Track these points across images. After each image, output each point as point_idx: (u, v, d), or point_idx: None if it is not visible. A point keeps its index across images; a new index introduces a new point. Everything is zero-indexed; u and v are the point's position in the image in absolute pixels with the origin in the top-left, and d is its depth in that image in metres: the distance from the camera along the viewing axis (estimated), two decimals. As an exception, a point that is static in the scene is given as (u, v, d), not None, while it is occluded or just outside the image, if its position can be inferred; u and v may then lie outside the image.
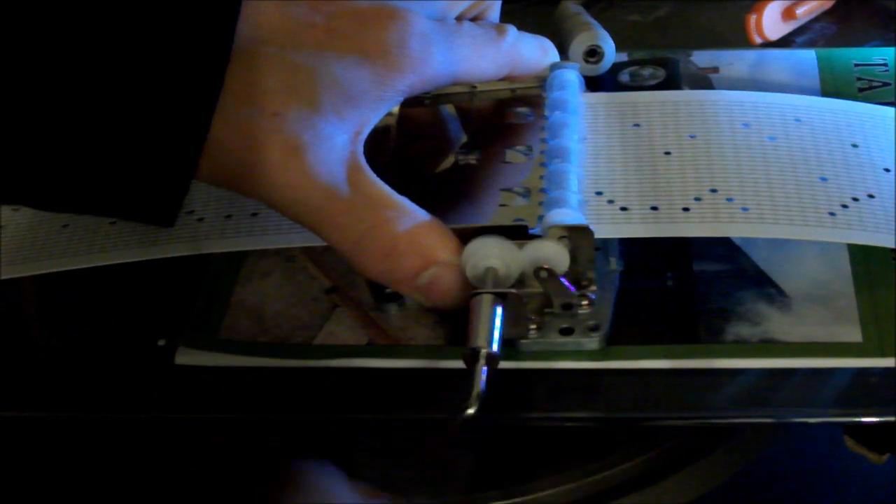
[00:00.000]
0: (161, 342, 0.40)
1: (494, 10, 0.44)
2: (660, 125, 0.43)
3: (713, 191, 0.40)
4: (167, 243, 0.42)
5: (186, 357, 0.40)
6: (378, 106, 0.38)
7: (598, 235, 0.38)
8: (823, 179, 0.40)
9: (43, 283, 0.43)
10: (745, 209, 0.39)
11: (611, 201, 0.40)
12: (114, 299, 0.42)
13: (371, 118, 0.38)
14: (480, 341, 0.35)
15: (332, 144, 0.37)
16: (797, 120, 0.43)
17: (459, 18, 0.42)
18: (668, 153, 0.42)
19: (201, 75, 0.35)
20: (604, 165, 0.42)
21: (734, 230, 0.40)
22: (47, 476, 0.43)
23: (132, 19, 0.35)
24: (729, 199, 0.40)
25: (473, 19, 0.43)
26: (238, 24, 0.36)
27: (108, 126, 0.35)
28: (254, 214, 0.43)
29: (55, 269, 0.42)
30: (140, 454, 0.42)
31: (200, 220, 0.43)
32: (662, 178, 0.41)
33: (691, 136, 0.42)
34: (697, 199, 0.40)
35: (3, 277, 0.42)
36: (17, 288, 0.43)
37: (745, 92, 0.45)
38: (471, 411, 0.34)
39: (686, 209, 0.40)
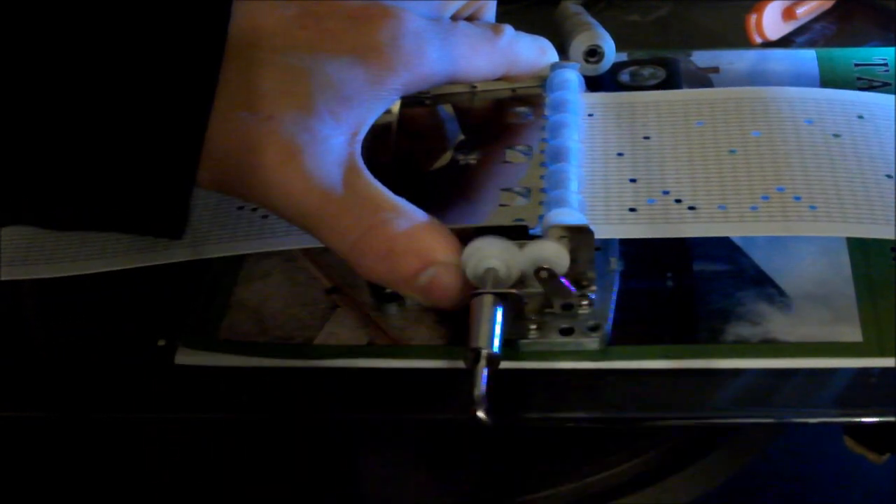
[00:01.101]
0: (161, 342, 0.40)
1: (489, 10, 0.44)
2: (723, 123, 0.43)
3: (780, 189, 0.40)
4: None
5: (186, 357, 0.40)
6: (373, 105, 0.38)
7: (667, 235, 0.38)
8: (889, 177, 0.40)
9: (43, 283, 0.43)
10: (812, 207, 0.39)
11: (678, 200, 0.40)
12: (114, 300, 0.42)
13: (367, 118, 0.38)
14: (481, 342, 0.35)
15: (328, 146, 0.36)
16: (860, 117, 0.43)
17: (454, 18, 0.42)
18: (732, 151, 0.42)
19: (195, 79, 0.35)
20: (670, 164, 0.41)
21: (803, 229, 0.39)
22: (47, 476, 0.43)
23: (123, 25, 0.35)
24: (796, 198, 0.39)
25: (469, 19, 0.43)
26: (230, 27, 0.36)
27: (104, 137, 0.35)
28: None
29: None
30: (140, 454, 0.42)
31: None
32: (729, 176, 0.41)
33: (755, 134, 0.42)
34: (765, 197, 0.40)
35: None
36: (17, 288, 0.43)
37: (806, 88, 0.45)
38: (481, 414, 0.34)
39: (754, 208, 0.39)
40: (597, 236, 0.38)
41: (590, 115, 0.44)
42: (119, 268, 0.42)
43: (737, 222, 0.39)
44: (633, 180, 0.41)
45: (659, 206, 0.40)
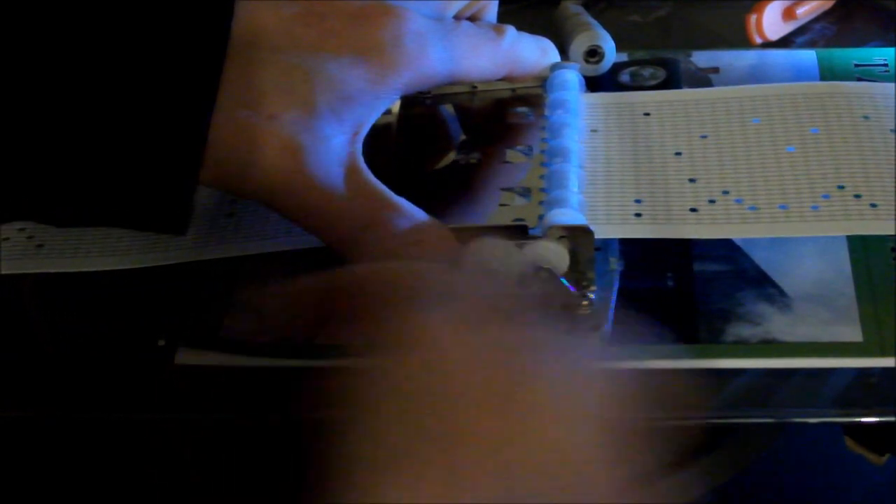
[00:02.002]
0: (161, 342, 0.40)
1: (491, 11, 0.44)
2: (780, 120, 0.43)
3: (840, 187, 0.40)
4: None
5: (186, 357, 0.39)
6: (375, 105, 0.38)
7: (730, 236, 0.38)
8: None
9: (43, 282, 0.43)
10: (873, 205, 0.39)
11: (739, 200, 0.40)
12: (114, 299, 0.42)
13: (368, 117, 0.38)
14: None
15: (329, 145, 0.37)
16: None
17: (457, 18, 0.42)
18: (790, 149, 0.42)
19: (197, 78, 0.35)
20: (728, 163, 0.41)
21: (865, 228, 0.39)
22: (47, 476, 0.43)
23: (126, 24, 0.35)
24: (857, 196, 0.39)
25: (471, 19, 0.43)
26: (232, 26, 0.36)
27: (107, 135, 0.35)
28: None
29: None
30: (140, 454, 0.42)
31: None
32: (788, 175, 0.41)
33: (814, 131, 0.42)
34: (825, 196, 0.40)
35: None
36: (17, 288, 0.43)
37: (863, 83, 0.45)
38: None
39: (815, 207, 0.39)
40: (658, 236, 0.38)
41: (646, 114, 0.44)
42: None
43: (798, 222, 0.39)
44: (692, 180, 0.41)
45: (720, 206, 0.40)
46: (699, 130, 0.43)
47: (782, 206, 0.39)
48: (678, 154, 0.42)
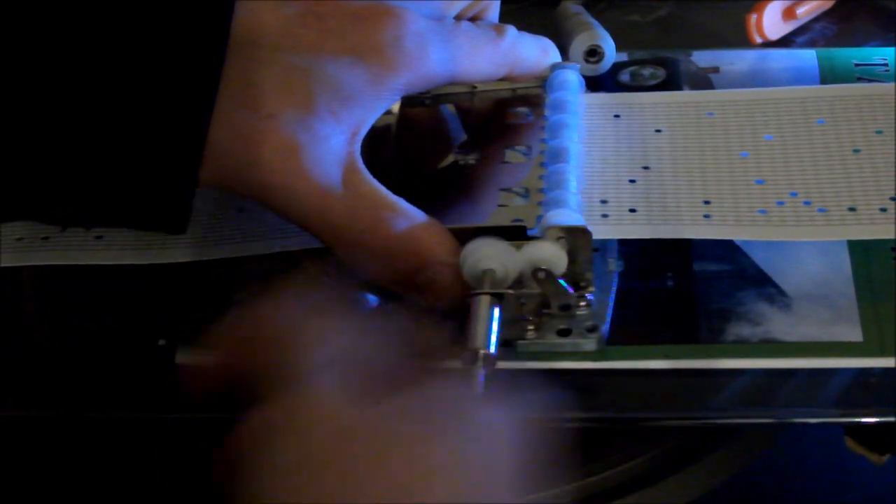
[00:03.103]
0: (161, 342, 0.40)
1: (493, 10, 0.44)
2: (844, 121, 0.43)
3: None
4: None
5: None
6: (374, 105, 0.38)
7: (800, 239, 0.38)
8: None
9: (43, 282, 0.43)
10: None
11: (807, 202, 0.40)
12: (114, 299, 0.42)
13: (368, 118, 0.38)
14: (478, 342, 0.35)
15: (328, 145, 0.37)
16: None
17: (458, 18, 0.42)
18: (857, 150, 0.41)
19: (197, 77, 0.35)
20: (794, 165, 0.41)
21: None
22: (47, 476, 0.43)
23: (126, 23, 0.35)
24: None
25: (472, 19, 0.43)
26: (233, 25, 0.36)
27: (107, 134, 0.35)
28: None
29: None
30: (140, 454, 0.42)
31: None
32: (856, 176, 0.40)
33: (877, 132, 0.42)
34: (894, 198, 0.39)
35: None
36: (17, 288, 0.43)
37: None
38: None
39: (883, 209, 0.39)
40: (727, 238, 0.38)
41: (709, 114, 0.44)
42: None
43: (868, 224, 0.39)
44: (759, 181, 0.41)
45: (788, 207, 0.39)
46: (763, 131, 0.43)
47: (851, 209, 0.39)
48: (744, 155, 0.42)
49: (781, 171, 0.41)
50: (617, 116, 0.45)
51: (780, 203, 0.40)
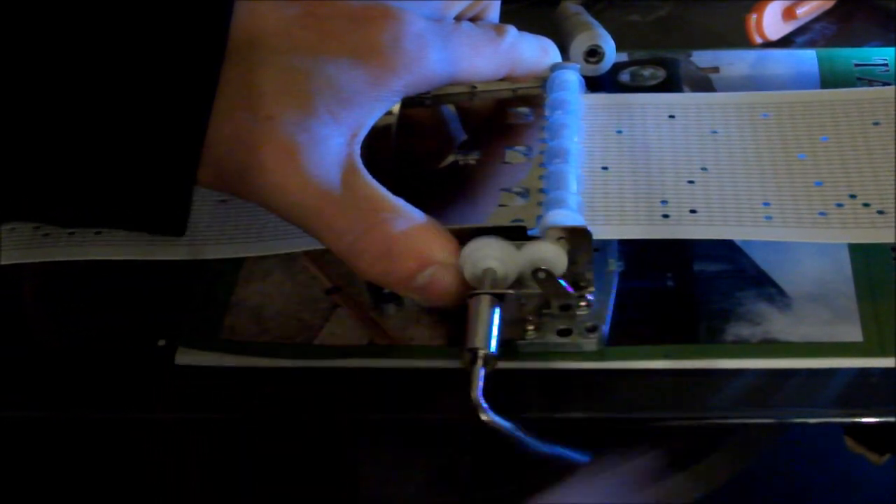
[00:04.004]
0: (161, 342, 0.40)
1: (494, 10, 0.44)
2: None
3: None
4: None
5: (186, 357, 0.40)
6: (374, 107, 0.38)
7: (862, 241, 0.38)
8: None
9: (43, 282, 0.43)
10: None
11: (866, 204, 0.40)
12: (114, 299, 0.42)
13: (367, 119, 0.38)
14: (478, 342, 0.35)
15: (327, 147, 0.37)
16: None
17: (458, 19, 0.42)
18: None
19: (195, 79, 0.35)
20: (852, 166, 0.41)
21: None
22: (47, 476, 0.43)
23: (124, 25, 0.35)
24: None
25: (473, 20, 0.43)
26: (232, 26, 0.36)
27: (105, 136, 0.35)
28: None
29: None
30: (140, 454, 0.42)
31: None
32: None
33: None
34: None
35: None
36: (17, 288, 0.43)
37: None
38: (484, 417, 0.34)
39: None
40: (788, 239, 0.38)
41: (764, 115, 0.44)
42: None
43: None
44: (818, 183, 0.41)
45: (848, 210, 0.39)
46: (819, 132, 0.43)
47: None
48: (801, 156, 0.42)
49: (840, 174, 0.41)
50: (672, 117, 0.45)
51: (840, 205, 0.40)
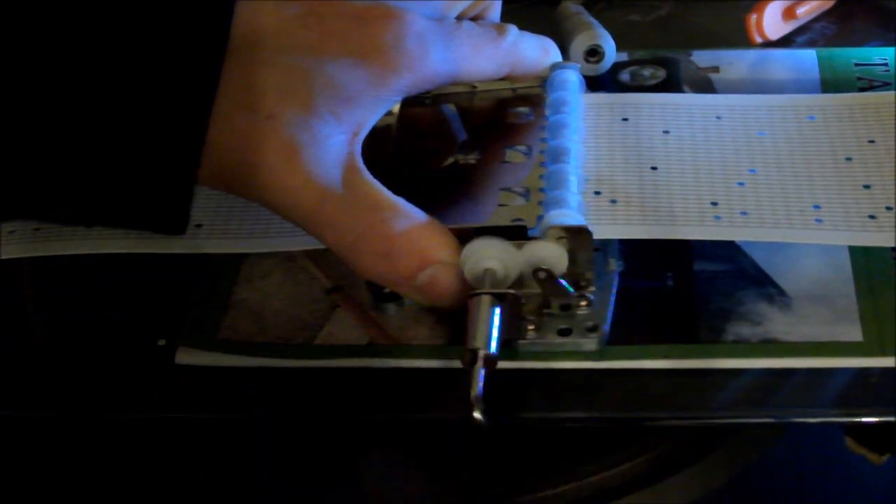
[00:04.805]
0: (161, 342, 0.40)
1: (495, 10, 0.44)
2: None
3: None
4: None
5: (186, 357, 0.40)
6: (375, 106, 0.38)
7: None
8: None
9: (43, 282, 0.43)
10: None
11: None
12: (114, 299, 0.42)
13: (368, 119, 0.38)
14: (479, 342, 0.35)
15: (328, 146, 0.37)
16: None
17: (459, 18, 0.42)
18: None
19: (196, 78, 0.35)
20: None
21: None
22: (47, 476, 0.43)
23: (126, 24, 0.35)
24: None
25: (474, 19, 0.43)
26: (233, 26, 0.36)
27: (106, 135, 0.35)
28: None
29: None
30: (140, 454, 0.42)
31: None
32: None
33: None
34: None
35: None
36: (16, 288, 0.43)
37: None
38: (477, 415, 0.34)
39: None
40: (839, 242, 0.38)
41: (810, 117, 0.44)
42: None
43: None
44: (866, 186, 0.41)
45: None
46: (866, 135, 0.43)
47: None
48: (848, 159, 0.42)
49: (888, 176, 0.41)
50: (719, 118, 0.45)
51: (889, 208, 0.40)
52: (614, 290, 0.40)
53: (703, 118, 0.45)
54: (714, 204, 0.41)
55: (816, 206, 0.40)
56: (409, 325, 0.40)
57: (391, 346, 0.39)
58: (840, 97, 0.46)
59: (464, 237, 0.37)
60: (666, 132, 0.44)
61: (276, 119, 0.36)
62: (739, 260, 0.41)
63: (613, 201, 0.41)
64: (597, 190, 0.42)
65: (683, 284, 0.41)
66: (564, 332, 0.38)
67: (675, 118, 0.45)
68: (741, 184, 0.42)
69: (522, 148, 0.43)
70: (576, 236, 0.37)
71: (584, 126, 0.44)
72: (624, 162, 0.43)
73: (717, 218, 0.40)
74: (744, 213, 0.40)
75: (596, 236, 0.38)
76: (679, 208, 0.40)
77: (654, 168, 0.42)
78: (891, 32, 0.52)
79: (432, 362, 0.39)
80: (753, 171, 0.42)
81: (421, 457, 0.43)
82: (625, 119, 0.45)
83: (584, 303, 0.38)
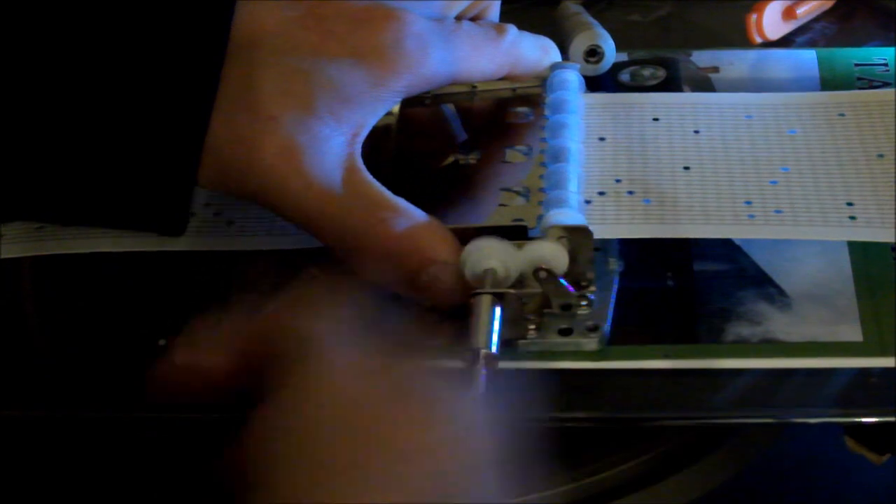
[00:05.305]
0: (161, 342, 0.40)
1: (494, 10, 0.44)
2: None
3: None
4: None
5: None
6: (375, 107, 0.38)
7: None
8: None
9: (43, 282, 0.43)
10: None
11: None
12: (114, 299, 0.42)
13: (368, 119, 0.38)
14: (479, 342, 0.35)
15: (328, 147, 0.37)
16: None
17: (458, 18, 0.42)
18: None
19: (196, 79, 0.35)
20: None
21: None
22: (47, 476, 0.43)
23: (126, 25, 0.35)
24: None
25: (473, 19, 0.43)
26: (233, 27, 0.36)
27: (106, 136, 0.35)
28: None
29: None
30: (140, 454, 0.42)
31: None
32: None
33: None
34: None
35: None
36: (16, 288, 0.43)
37: None
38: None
39: None
40: (875, 240, 0.38)
41: (840, 115, 0.44)
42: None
43: None
44: None
45: None
46: None
47: None
48: (881, 156, 0.42)
49: None
50: (749, 117, 0.45)
51: None
52: (615, 290, 0.40)
53: (733, 117, 0.45)
54: (748, 203, 0.41)
55: (850, 204, 0.40)
56: (410, 325, 0.40)
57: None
58: (871, 93, 0.46)
59: (464, 237, 0.37)
60: (696, 132, 0.44)
61: (275, 120, 0.36)
62: (739, 260, 0.41)
63: (647, 201, 0.41)
64: (630, 190, 0.42)
65: (683, 284, 0.41)
66: (565, 332, 0.38)
67: (705, 117, 0.45)
68: (774, 182, 0.42)
69: (522, 148, 0.43)
70: (576, 236, 0.37)
71: (614, 124, 0.44)
72: (656, 162, 0.43)
73: (752, 217, 0.40)
74: (778, 212, 0.40)
75: (631, 236, 0.38)
76: (713, 208, 0.40)
77: (686, 168, 0.42)
78: (891, 32, 0.52)
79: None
80: (786, 169, 0.42)
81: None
82: (655, 119, 0.45)
83: (584, 302, 0.38)
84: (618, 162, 0.43)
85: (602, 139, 0.44)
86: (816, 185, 0.41)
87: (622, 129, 0.44)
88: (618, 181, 0.42)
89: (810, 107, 0.45)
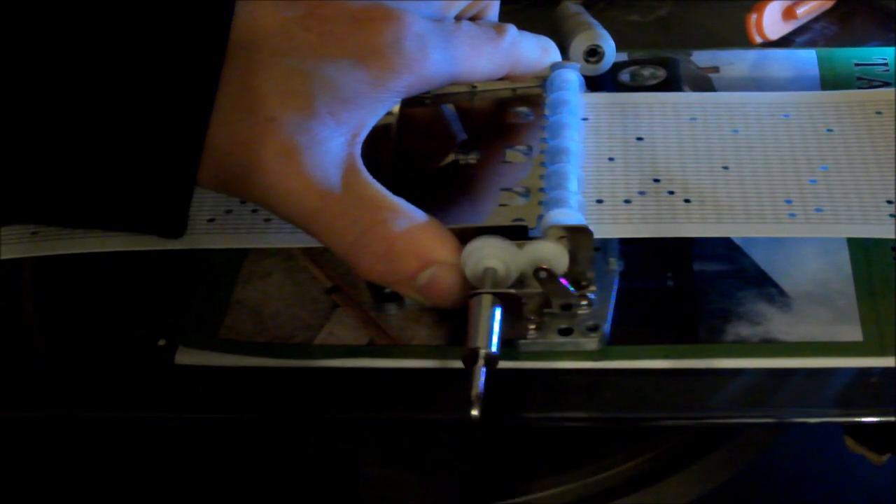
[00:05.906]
0: (161, 342, 0.40)
1: (493, 10, 0.44)
2: None
3: None
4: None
5: (186, 357, 0.40)
6: (375, 107, 0.38)
7: None
8: None
9: (42, 282, 0.43)
10: None
11: None
12: (114, 299, 0.42)
13: (368, 120, 0.38)
14: (479, 342, 0.35)
15: (327, 147, 0.37)
16: None
17: (458, 18, 0.42)
18: None
19: (196, 80, 0.35)
20: None
21: None
22: (47, 476, 0.43)
23: (125, 26, 0.35)
24: None
25: (472, 19, 0.43)
26: (232, 28, 0.36)
27: (105, 137, 0.35)
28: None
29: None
30: (140, 454, 0.42)
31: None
32: None
33: None
34: None
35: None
36: (17, 288, 0.43)
37: None
38: (475, 413, 0.34)
39: None
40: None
41: (878, 112, 0.44)
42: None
43: None
44: None
45: None
46: None
47: None
48: None
49: None
50: (786, 116, 0.45)
51: None
52: (615, 290, 0.40)
53: (770, 116, 0.45)
54: (788, 202, 0.41)
55: (890, 202, 0.41)
56: (409, 326, 0.40)
57: (391, 346, 0.39)
58: None
59: (464, 237, 0.37)
60: (735, 131, 0.44)
61: (275, 121, 0.36)
62: (739, 260, 0.41)
63: (687, 200, 0.41)
64: (670, 190, 0.42)
65: (683, 284, 0.41)
66: (565, 332, 0.38)
67: (742, 117, 0.45)
68: (813, 181, 0.42)
69: (522, 148, 0.43)
70: (576, 236, 0.37)
71: (651, 124, 0.44)
72: (695, 162, 0.43)
73: (792, 215, 0.40)
74: (819, 210, 0.40)
75: (673, 235, 0.38)
76: (754, 207, 0.40)
77: (725, 168, 0.42)
78: (891, 32, 0.52)
79: (432, 362, 0.39)
80: (825, 167, 0.42)
81: (420, 457, 0.43)
82: (693, 119, 0.45)
83: (584, 302, 0.38)
84: (656, 162, 0.43)
85: (640, 139, 0.44)
86: (856, 182, 0.41)
87: (658, 128, 0.44)
88: (656, 181, 0.42)
89: (847, 105, 0.45)
